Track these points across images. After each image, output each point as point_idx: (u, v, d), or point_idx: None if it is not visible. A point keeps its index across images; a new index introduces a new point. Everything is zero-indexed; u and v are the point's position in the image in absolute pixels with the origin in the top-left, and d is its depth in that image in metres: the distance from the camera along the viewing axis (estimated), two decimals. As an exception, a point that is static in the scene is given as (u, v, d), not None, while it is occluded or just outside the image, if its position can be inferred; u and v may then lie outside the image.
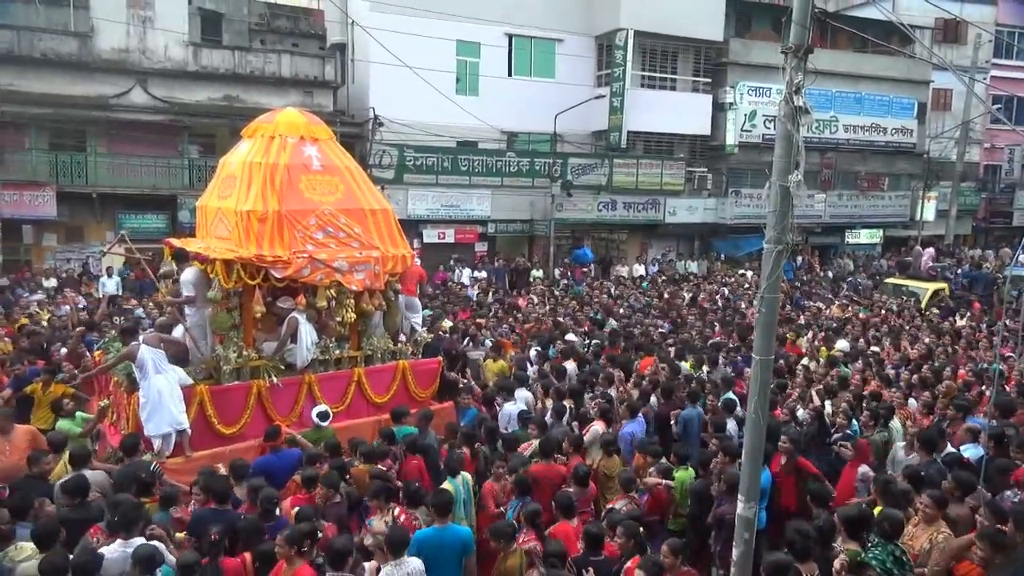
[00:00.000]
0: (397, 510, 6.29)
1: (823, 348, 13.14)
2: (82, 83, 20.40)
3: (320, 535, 5.56)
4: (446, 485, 6.86)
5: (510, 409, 8.87)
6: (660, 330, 14.53)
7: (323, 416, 8.10)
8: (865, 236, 31.49)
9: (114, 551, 5.20)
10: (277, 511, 6.15)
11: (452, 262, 22.48)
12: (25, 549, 5.26)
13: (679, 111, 26.46)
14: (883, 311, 17.68)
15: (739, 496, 4.86)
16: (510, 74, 25.22)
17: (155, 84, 21.16)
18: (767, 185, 4.58)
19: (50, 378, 9.18)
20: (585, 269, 23.93)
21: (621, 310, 16.70)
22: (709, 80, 27.28)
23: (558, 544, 5.55)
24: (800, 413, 9.14)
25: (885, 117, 30.39)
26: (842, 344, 13.27)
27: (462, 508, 6.87)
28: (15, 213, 19.49)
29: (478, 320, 14.38)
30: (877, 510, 6.03)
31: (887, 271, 25.93)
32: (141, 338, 7.69)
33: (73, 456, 6.69)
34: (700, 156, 27.90)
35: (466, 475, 7.16)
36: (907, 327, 15.54)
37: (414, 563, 5.46)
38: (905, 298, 19.39)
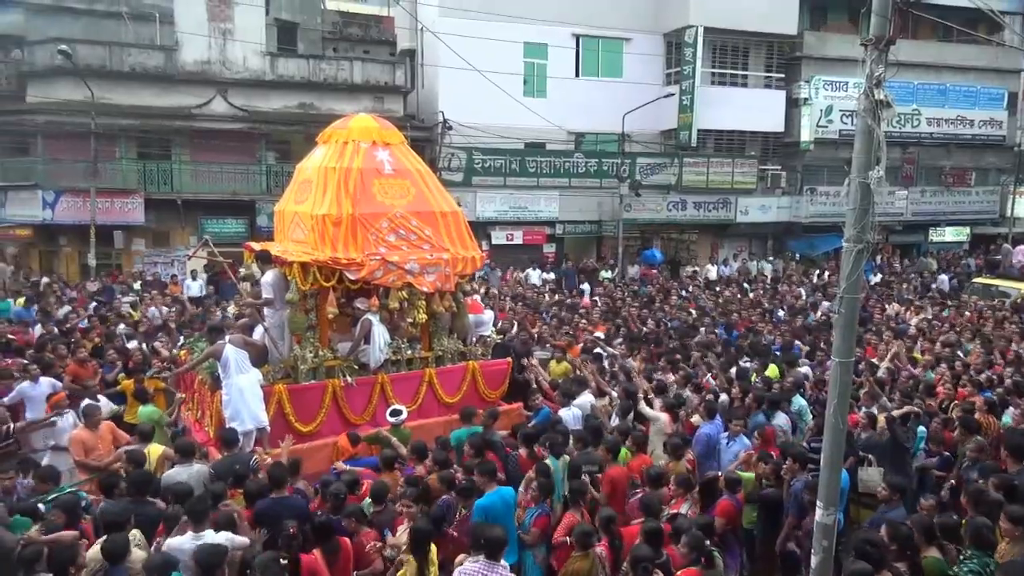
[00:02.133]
0: None
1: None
2: (167, 95, 21.38)
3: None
4: (547, 464, 7.10)
5: (565, 414, 8.80)
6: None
7: (395, 413, 8.24)
8: (951, 234, 30.08)
9: (183, 542, 5.41)
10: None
11: (487, 272, 21.70)
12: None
13: (751, 108, 25.90)
14: (967, 312, 16.86)
15: (818, 502, 4.73)
16: (577, 75, 25.17)
17: (234, 94, 21.99)
18: (846, 182, 4.45)
19: (141, 375, 9.70)
20: (655, 270, 23.67)
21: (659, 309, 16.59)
22: (783, 75, 26.62)
23: (647, 549, 5.48)
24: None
25: (972, 109, 29.02)
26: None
27: (560, 487, 7.03)
28: (107, 219, 20.55)
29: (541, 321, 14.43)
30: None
31: (974, 270, 24.73)
32: (227, 337, 7.99)
33: (180, 448, 7.00)
34: (773, 154, 27.25)
35: (567, 457, 7.25)
36: (987, 329, 14.75)
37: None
38: (995, 299, 18.44)
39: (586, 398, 9.15)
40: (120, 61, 20.93)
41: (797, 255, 27.04)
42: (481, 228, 22.31)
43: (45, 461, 8.29)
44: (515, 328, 13.38)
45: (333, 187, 8.64)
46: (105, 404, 8.86)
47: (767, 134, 26.94)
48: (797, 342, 13.16)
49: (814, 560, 4.77)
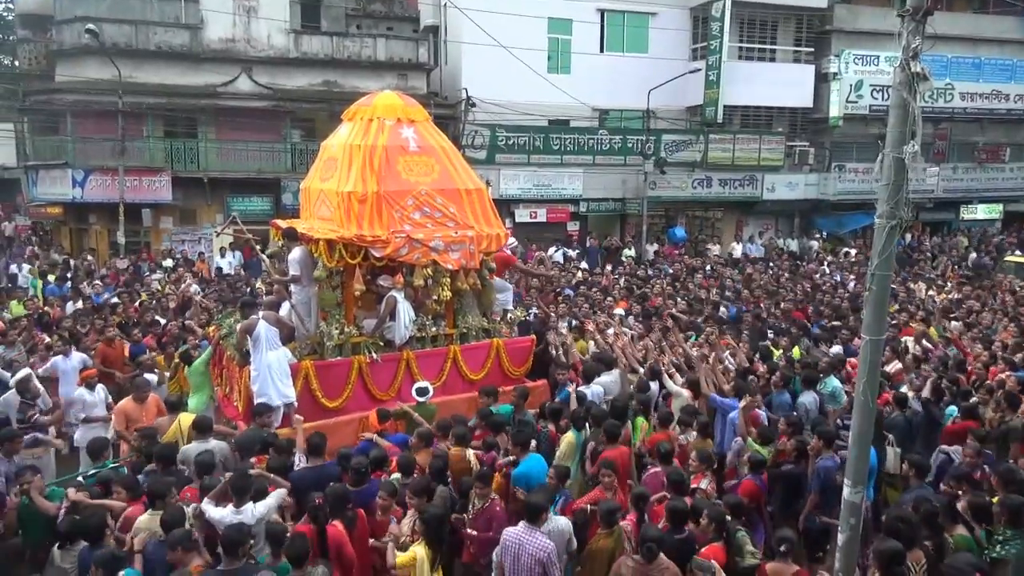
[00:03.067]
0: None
1: (932, 330, 12.44)
2: (192, 73, 21.49)
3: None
4: (569, 436, 7.22)
5: (586, 392, 8.79)
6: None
7: (422, 392, 8.31)
8: (983, 211, 29.47)
9: (225, 515, 5.57)
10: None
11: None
12: None
13: (779, 83, 25.42)
14: (999, 292, 16.57)
15: (846, 480, 4.71)
16: (602, 50, 24.85)
17: (259, 71, 22.04)
18: (879, 157, 4.35)
19: (173, 350, 9.96)
20: (676, 249, 23.51)
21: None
22: (812, 49, 26.06)
23: (656, 529, 5.51)
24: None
25: (1008, 83, 28.23)
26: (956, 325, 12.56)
27: (576, 460, 7.12)
28: (135, 197, 20.80)
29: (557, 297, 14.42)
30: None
31: (1007, 248, 24.27)
32: (261, 314, 8.06)
33: (197, 425, 7.15)
34: (801, 130, 26.78)
35: (587, 431, 7.32)
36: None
37: (561, 521, 5.80)
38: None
39: (611, 376, 9.12)
40: (146, 39, 21.06)
41: (824, 233, 26.69)
42: (504, 206, 22.25)
43: (77, 435, 8.50)
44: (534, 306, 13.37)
45: (358, 164, 8.65)
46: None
47: (795, 110, 26.46)
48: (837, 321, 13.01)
49: (841, 538, 4.76)
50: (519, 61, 21.30)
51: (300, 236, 8.77)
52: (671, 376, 8.92)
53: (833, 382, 8.94)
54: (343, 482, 6.31)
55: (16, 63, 23.83)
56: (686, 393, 8.53)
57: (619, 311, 12.89)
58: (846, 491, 4.68)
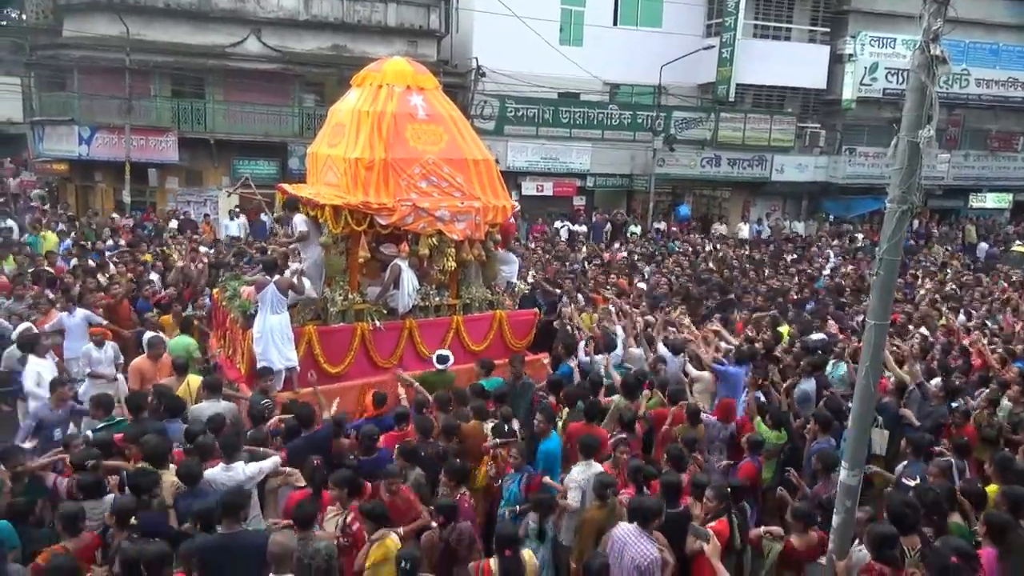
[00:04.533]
0: (350, 516, 5.47)
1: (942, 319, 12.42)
2: (201, 33, 21.27)
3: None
4: (564, 413, 7.36)
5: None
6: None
7: (442, 359, 8.32)
8: (992, 200, 29.28)
9: (216, 473, 5.64)
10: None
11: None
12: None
13: (793, 63, 25.11)
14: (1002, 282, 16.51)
15: (843, 462, 4.74)
16: (615, 23, 24.54)
17: (268, 34, 21.82)
18: (894, 141, 4.30)
19: (181, 309, 10.08)
20: (675, 228, 23.46)
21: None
22: (828, 30, 25.72)
23: (642, 501, 5.52)
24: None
25: (1025, 71, 27.91)
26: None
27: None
28: (141, 157, 20.72)
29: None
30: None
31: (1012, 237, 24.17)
32: (276, 277, 8.04)
33: (209, 384, 7.23)
34: (813, 111, 26.53)
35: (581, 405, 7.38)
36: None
37: (597, 466, 6.13)
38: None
39: (639, 351, 9.22)
40: (156, -3, 20.85)
41: (831, 216, 26.56)
42: (511, 178, 22.09)
43: (83, 389, 8.56)
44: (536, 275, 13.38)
45: (366, 131, 8.60)
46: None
47: (808, 91, 26.19)
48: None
49: (835, 520, 4.78)
50: (531, 31, 21.05)
51: (305, 202, 8.75)
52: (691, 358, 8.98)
53: (843, 367, 8.96)
54: (336, 447, 6.41)
55: (23, 17, 23.57)
56: (707, 376, 8.55)
57: (641, 285, 12.92)
58: (843, 474, 4.69)
